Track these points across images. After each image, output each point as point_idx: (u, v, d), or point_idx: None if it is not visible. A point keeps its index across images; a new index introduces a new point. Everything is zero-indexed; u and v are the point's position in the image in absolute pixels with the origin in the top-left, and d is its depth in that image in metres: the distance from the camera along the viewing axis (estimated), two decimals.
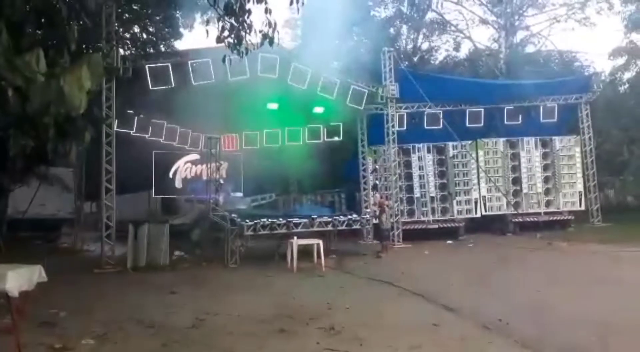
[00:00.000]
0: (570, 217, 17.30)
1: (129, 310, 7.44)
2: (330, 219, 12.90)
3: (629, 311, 6.67)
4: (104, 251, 11.98)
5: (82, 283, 9.72)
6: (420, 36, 30.51)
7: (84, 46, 11.56)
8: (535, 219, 17.10)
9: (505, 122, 17.65)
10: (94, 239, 13.34)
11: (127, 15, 14.97)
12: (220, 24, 7.02)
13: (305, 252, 11.46)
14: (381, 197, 15.11)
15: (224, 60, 7.24)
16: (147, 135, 16.81)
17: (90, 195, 15.46)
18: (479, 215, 17.17)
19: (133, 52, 15.02)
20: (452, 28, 30.68)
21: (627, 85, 24.03)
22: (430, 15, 30.31)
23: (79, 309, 7.45)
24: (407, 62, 26.26)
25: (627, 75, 23.98)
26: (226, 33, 6.94)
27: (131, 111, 15.38)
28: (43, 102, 3.93)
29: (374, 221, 14.63)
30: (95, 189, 13.07)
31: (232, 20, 6.95)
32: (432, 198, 17.06)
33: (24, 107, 4.02)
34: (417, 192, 17.01)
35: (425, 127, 16.89)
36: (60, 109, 4.19)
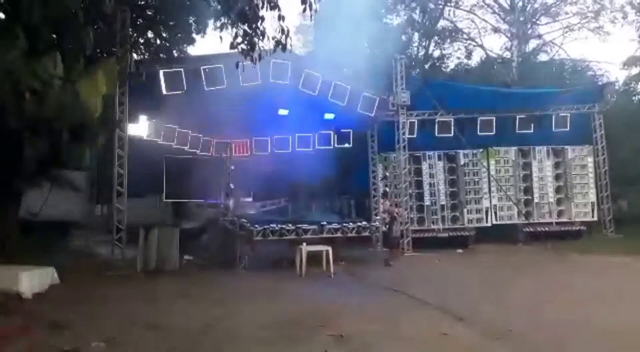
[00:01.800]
0: (582, 227, 17.06)
1: (138, 313, 7.47)
2: (339, 226, 12.82)
3: None
4: (114, 254, 12.05)
5: (93, 286, 9.74)
6: (432, 44, 30.54)
7: (98, 51, 11.73)
8: (547, 229, 16.86)
9: (517, 131, 17.46)
10: (105, 242, 13.43)
11: (141, 20, 15.14)
12: (234, 30, 7.11)
13: (314, 259, 11.43)
14: (391, 205, 15.04)
15: (237, 66, 7.32)
16: (159, 140, 16.92)
17: (101, 198, 15.56)
18: (489, 224, 16.99)
19: (146, 57, 15.18)
20: (464, 36, 30.69)
21: None
22: (442, 23, 30.34)
23: (89, 312, 7.48)
24: (418, 70, 26.29)
25: None
26: (239, 39, 7.03)
27: (144, 115, 15.50)
28: (59, 106, 3.99)
29: (384, 229, 14.57)
30: (107, 192, 13.16)
31: (246, 27, 7.03)
32: (442, 206, 16.90)
33: (40, 110, 4.07)
34: (427, 200, 16.89)
35: (436, 134, 16.82)
36: (76, 112, 4.24)
